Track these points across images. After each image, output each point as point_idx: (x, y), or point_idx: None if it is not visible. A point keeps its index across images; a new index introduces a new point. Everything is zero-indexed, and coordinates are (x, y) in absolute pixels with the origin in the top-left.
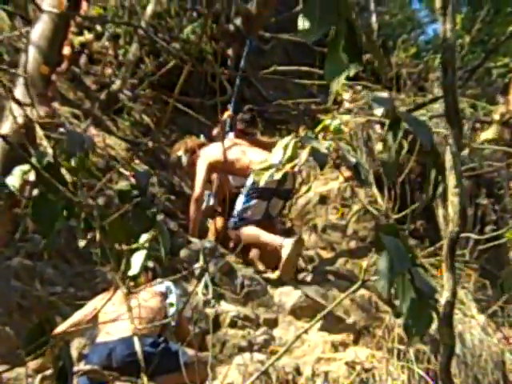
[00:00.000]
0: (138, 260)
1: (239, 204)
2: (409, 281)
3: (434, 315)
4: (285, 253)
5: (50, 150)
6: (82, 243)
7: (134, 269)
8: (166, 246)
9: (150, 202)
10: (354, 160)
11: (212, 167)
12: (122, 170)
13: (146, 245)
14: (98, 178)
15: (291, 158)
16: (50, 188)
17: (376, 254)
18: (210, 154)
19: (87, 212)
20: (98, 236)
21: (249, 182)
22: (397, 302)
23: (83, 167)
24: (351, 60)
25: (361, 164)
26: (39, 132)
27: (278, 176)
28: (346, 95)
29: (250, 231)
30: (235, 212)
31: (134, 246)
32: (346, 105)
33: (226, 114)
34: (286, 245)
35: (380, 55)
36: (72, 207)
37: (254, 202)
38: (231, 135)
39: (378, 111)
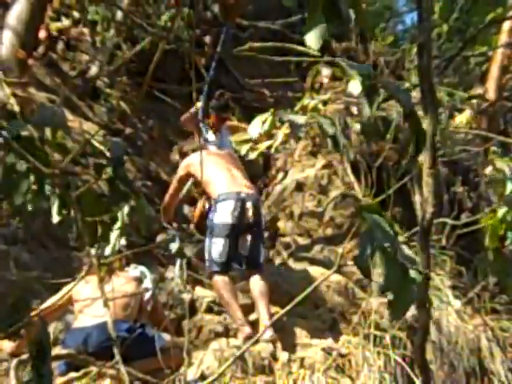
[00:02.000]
0: (113, 236)
1: (206, 245)
2: (392, 257)
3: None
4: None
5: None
6: (55, 219)
7: (110, 246)
8: (144, 213)
9: (124, 173)
10: (332, 130)
11: (188, 177)
12: (96, 144)
13: (123, 218)
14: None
15: (268, 134)
16: (21, 158)
17: (355, 237)
18: (190, 163)
19: (59, 183)
20: (72, 212)
21: (210, 217)
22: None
23: (54, 139)
24: (330, 20)
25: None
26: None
27: (253, 155)
28: (326, 71)
29: (218, 285)
30: (205, 254)
31: (108, 217)
32: (325, 80)
33: (194, 107)
34: (244, 333)
35: (361, 10)
36: (43, 178)
37: (215, 240)
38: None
39: (355, 90)
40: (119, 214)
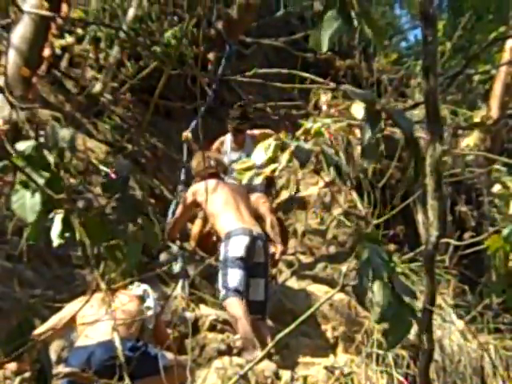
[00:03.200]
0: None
1: (220, 276)
2: (389, 287)
3: (414, 321)
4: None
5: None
6: (56, 242)
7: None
8: (153, 233)
9: (131, 194)
10: (335, 159)
11: (195, 205)
12: (101, 167)
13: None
14: (76, 178)
15: (272, 160)
16: (30, 179)
17: (355, 259)
18: (196, 190)
19: (67, 209)
20: (77, 235)
21: (223, 250)
22: (377, 309)
23: (62, 161)
24: (346, 22)
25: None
26: (21, 117)
27: (258, 180)
28: (323, 97)
29: (232, 308)
30: (219, 284)
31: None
32: (323, 107)
33: (184, 135)
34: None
35: (374, 23)
36: (51, 202)
37: (231, 270)
38: (228, 139)
39: (358, 113)
40: (131, 234)
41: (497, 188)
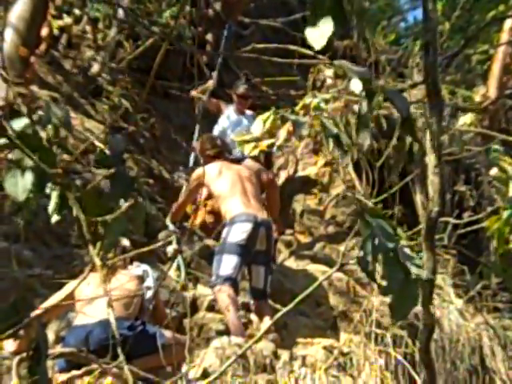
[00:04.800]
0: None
1: (215, 261)
2: (395, 259)
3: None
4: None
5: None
6: (54, 218)
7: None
8: (143, 212)
9: (125, 170)
10: (335, 130)
11: (200, 188)
12: (97, 143)
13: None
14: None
15: (269, 132)
16: (24, 155)
17: (356, 236)
18: (202, 175)
19: (63, 183)
20: (74, 211)
21: (223, 235)
22: (383, 282)
23: (56, 137)
24: (336, 18)
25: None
26: (15, 92)
27: (255, 152)
28: (329, 72)
29: (220, 296)
30: (213, 269)
31: (110, 216)
32: (329, 81)
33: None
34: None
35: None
36: (46, 178)
37: (226, 256)
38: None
39: (357, 88)
40: (119, 212)
41: (494, 171)
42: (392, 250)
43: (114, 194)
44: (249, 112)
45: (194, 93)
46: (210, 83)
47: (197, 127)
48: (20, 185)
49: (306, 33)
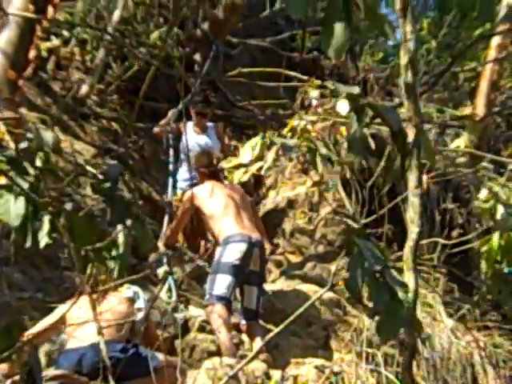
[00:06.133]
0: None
1: (209, 280)
2: (382, 281)
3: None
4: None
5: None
6: (43, 242)
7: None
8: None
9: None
10: (324, 150)
11: (192, 210)
12: (89, 168)
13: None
14: (63, 180)
15: (258, 158)
16: (13, 183)
17: (346, 257)
18: (195, 196)
19: (53, 210)
20: (64, 237)
21: (217, 254)
22: (370, 304)
23: (47, 163)
24: (352, 30)
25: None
26: (1, 127)
27: (244, 178)
28: (314, 93)
29: (213, 315)
30: (207, 288)
31: (101, 244)
32: (314, 102)
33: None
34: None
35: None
36: (36, 205)
37: (220, 276)
38: (190, 125)
39: (343, 110)
40: (120, 236)
41: (483, 194)
42: (379, 272)
43: (110, 219)
44: (209, 124)
45: (156, 129)
46: (170, 114)
47: (170, 158)
48: (13, 211)
49: (322, 47)
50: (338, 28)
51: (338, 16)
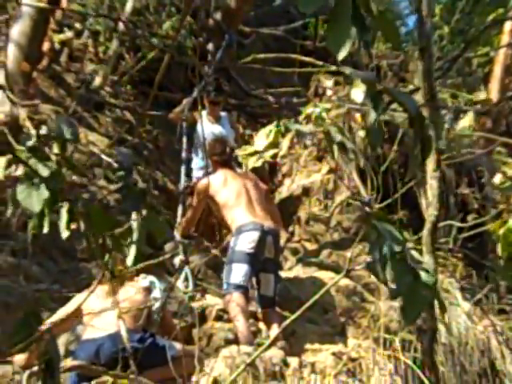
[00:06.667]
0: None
1: (225, 270)
2: (403, 263)
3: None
4: (241, 340)
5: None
6: (64, 234)
7: (130, 257)
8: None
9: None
10: (339, 137)
11: (206, 199)
12: (104, 156)
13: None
14: (79, 172)
15: (273, 144)
16: (33, 171)
17: (362, 242)
18: (208, 186)
19: (71, 199)
20: (82, 227)
21: (231, 244)
22: (392, 285)
23: (64, 152)
24: (356, 27)
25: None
26: (22, 115)
27: (258, 163)
28: (329, 82)
29: (231, 304)
30: (224, 278)
31: (120, 230)
32: (329, 92)
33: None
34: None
35: (389, 25)
36: (55, 194)
37: (236, 265)
38: (204, 114)
39: (358, 97)
40: (134, 224)
41: (498, 178)
42: (400, 253)
43: (125, 207)
44: (222, 113)
45: (171, 115)
46: (185, 102)
47: (183, 145)
48: (35, 196)
49: (327, 44)
50: (344, 27)
51: (345, 16)
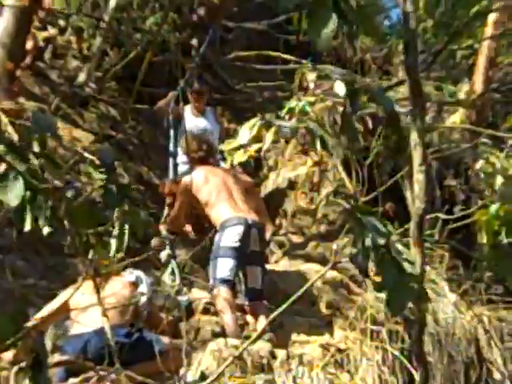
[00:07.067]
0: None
1: (211, 266)
2: (388, 255)
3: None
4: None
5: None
6: (45, 230)
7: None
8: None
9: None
10: (320, 132)
11: (190, 196)
12: (86, 154)
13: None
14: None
15: (257, 138)
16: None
17: (350, 234)
18: (190, 183)
19: (54, 197)
20: (66, 223)
21: (216, 239)
22: (377, 278)
23: (44, 148)
24: (341, 18)
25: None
26: (2, 117)
27: (244, 158)
28: (312, 75)
29: (218, 299)
30: (210, 273)
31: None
32: (311, 85)
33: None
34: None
35: (370, 21)
36: (36, 189)
37: (221, 260)
38: (188, 109)
39: (341, 90)
40: (115, 220)
41: (479, 164)
42: (384, 246)
43: (108, 203)
44: (207, 108)
45: (156, 107)
46: (170, 95)
47: (171, 139)
48: (12, 191)
49: (309, 36)
50: (325, 18)
51: (326, 7)
